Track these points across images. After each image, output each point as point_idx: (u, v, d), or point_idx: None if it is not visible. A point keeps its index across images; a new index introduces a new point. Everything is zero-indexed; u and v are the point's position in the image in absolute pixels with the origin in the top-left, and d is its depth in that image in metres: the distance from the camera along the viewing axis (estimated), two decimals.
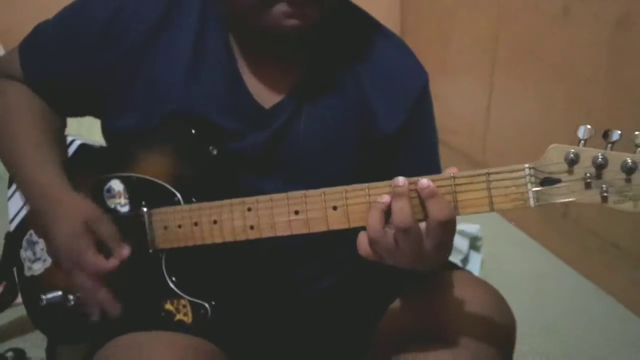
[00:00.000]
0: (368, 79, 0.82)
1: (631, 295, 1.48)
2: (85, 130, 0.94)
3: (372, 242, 0.64)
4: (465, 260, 1.60)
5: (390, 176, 0.78)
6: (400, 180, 0.62)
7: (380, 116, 0.83)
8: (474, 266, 1.60)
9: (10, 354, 1.13)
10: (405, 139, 0.85)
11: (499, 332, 0.78)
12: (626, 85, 1.45)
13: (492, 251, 1.69)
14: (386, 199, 0.63)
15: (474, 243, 1.65)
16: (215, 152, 0.78)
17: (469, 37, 2.19)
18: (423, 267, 0.66)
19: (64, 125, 0.91)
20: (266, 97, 0.81)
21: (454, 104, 2.28)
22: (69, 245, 0.77)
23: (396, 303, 0.84)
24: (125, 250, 0.77)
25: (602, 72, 1.52)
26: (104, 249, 0.78)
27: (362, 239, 0.65)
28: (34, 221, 0.87)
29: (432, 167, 0.90)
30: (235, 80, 0.80)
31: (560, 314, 1.46)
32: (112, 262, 0.77)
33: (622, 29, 1.44)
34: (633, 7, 1.41)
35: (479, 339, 0.75)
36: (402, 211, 0.61)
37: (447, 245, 0.65)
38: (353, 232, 0.68)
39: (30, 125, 0.84)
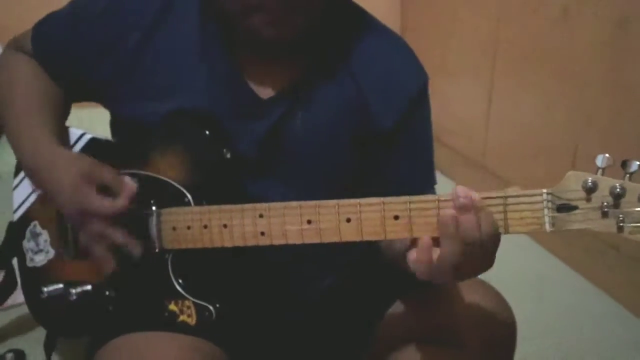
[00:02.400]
0: (365, 78, 0.82)
1: (631, 296, 1.50)
2: (87, 127, 0.93)
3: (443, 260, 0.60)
4: None
5: (385, 175, 0.77)
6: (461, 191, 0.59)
7: (376, 114, 0.82)
8: None
9: (10, 355, 1.12)
10: (400, 139, 0.85)
11: (499, 333, 0.79)
12: (626, 86, 1.45)
13: None
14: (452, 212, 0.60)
15: None
16: (228, 155, 0.78)
17: (469, 38, 2.18)
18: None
19: (67, 100, 0.91)
20: (264, 88, 0.80)
21: (454, 105, 2.27)
22: (73, 197, 0.76)
23: (396, 304, 0.85)
24: (133, 187, 0.76)
25: (602, 73, 1.52)
26: (110, 195, 0.77)
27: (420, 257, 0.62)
28: (37, 183, 0.85)
29: (425, 170, 0.90)
30: (233, 71, 0.79)
31: (560, 315, 1.48)
32: (121, 201, 0.75)
33: (622, 30, 1.44)
34: (633, 8, 1.41)
35: (480, 340, 0.76)
36: (469, 223, 0.59)
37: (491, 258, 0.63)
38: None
39: (31, 93, 0.85)
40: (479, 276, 0.94)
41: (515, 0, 1.87)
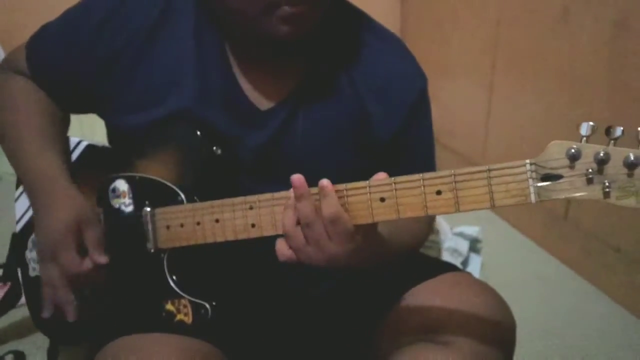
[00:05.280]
0: (364, 84, 0.82)
1: (631, 297, 1.47)
2: (87, 131, 0.94)
3: (287, 239, 0.68)
4: (465, 262, 1.60)
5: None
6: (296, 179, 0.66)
7: (376, 120, 0.83)
8: (474, 268, 1.59)
9: (10, 356, 1.13)
10: (401, 143, 0.85)
11: (499, 334, 0.78)
12: (626, 87, 1.45)
13: (492, 253, 1.69)
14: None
15: (474, 245, 1.64)
16: (219, 152, 0.79)
17: (469, 39, 2.19)
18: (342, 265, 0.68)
19: (67, 118, 0.92)
20: (262, 99, 0.81)
21: (454, 106, 2.27)
22: (54, 238, 0.78)
23: (396, 305, 0.84)
24: (102, 259, 0.79)
25: (602, 74, 1.52)
26: (83, 250, 0.79)
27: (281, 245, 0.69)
28: (34, 212, 0.86)
29: (427, 170, 0.90)
30: (230, 82, 0.80)
31: (560, 316, 1.45)
32: (86, 265, 0.78)
33: (622, 31, 1.44)
34: (632, 9, 1.41)
35: (479, 341, 0.75)
36: (305, 209, 0.66)
37: (358, 252, 0.67)
38: None
39: (32, 114, 0.86)
40: (479, 278, 0.93)
41: (515, 1, 1.88)
